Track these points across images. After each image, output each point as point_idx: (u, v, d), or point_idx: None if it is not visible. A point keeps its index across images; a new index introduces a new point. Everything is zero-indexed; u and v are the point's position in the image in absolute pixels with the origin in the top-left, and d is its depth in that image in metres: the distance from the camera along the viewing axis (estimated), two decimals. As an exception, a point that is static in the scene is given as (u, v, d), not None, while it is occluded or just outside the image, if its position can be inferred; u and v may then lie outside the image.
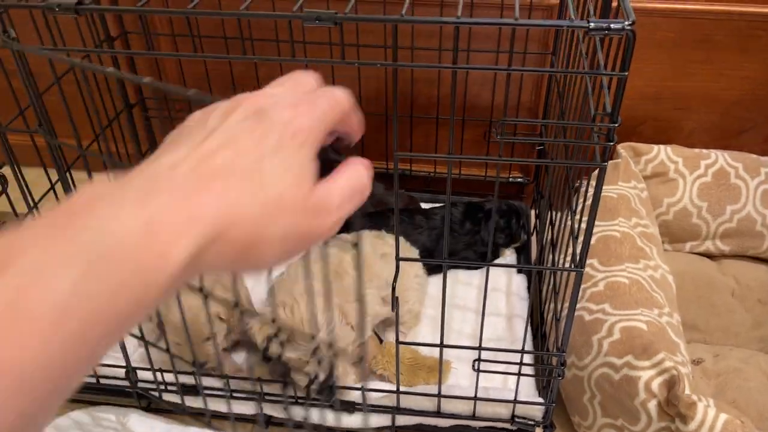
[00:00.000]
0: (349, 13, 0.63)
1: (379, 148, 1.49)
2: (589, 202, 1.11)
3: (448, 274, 1.29)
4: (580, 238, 0.85)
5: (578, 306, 1.03)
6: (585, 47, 0.87)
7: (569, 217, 1.00)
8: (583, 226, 1.03)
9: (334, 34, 1.30)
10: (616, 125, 0.65)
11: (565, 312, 0.96)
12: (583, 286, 1.06)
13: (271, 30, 1.30)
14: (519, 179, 1.46)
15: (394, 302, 0.84)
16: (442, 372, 0.94)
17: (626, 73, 0.61)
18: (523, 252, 1.33)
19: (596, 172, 1.22)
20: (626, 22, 0.59)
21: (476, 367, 0.90)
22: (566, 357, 0.92)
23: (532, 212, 1.40)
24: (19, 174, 0.96)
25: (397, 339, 0.89)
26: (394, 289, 0.82)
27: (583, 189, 1.15)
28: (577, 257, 0.82)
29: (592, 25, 0.60)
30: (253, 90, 0.34)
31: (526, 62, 1.32)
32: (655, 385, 0.87)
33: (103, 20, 1.30)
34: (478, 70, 0.91)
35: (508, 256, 1.33)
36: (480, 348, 0.88)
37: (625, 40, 0.61)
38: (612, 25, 0.60)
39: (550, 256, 1.13)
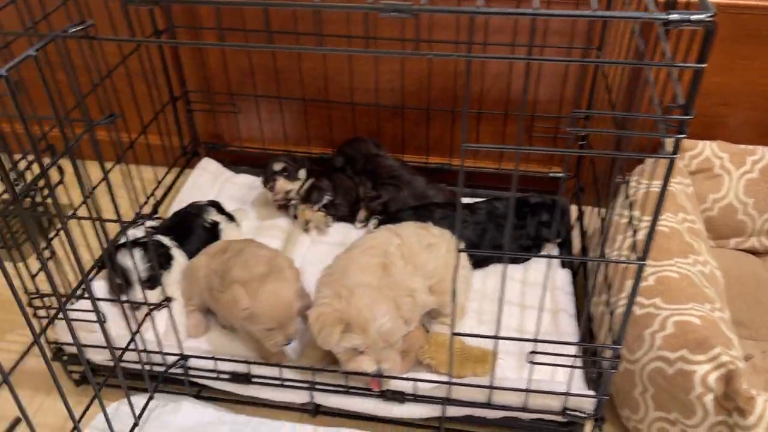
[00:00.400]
0: (425, 5, 0.63)
1: (419, 141, 1.50)
2: (639, 195, 1.11)
3: (490, 268, 1.30)
4: (640, 230, 0.85)
5: (629, 300, 1.03)
6: (639, 39, 0.87)
7: (619, 210, 1.00)
8: (638, 222, 1.03)
9: (379, 27, 1.31)
10: (690, 117, 0.65)
11: (620, 304, 0.97)
12: (632, 281, 1.06)
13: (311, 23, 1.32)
14: (559, 174, 1.46)
15: (453, 295, 0.85)
16: (494, 363, 0.95)
17: (705, 65, 0.61)
18: (564, 246, 1.33)
19: (643, 166, 1.22)
20: (707, 14, 0.59)
21: (531, 360, 0.90)
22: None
23: (573, 207, 1.40)
24: (77, 166, 0.97)
25: (452, 330, 0.90)
26: (454, 282, 0.83)
27: (637, 184, 1.15)
28: (637, 249, 0.82)
29: (672, 17, 0.60)
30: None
31: (569, 56, 1.32)
32: (712, 379, 0.87)
33: (151, 14, 1.32)
34: (555, 62, 0.90)
35: (550, 250, 1.33)
36: (536, 340, 0.88)
37: (704, 32, 0.61)
38: (692, 17, 0.60)
39: (598, 249, 1.13)
